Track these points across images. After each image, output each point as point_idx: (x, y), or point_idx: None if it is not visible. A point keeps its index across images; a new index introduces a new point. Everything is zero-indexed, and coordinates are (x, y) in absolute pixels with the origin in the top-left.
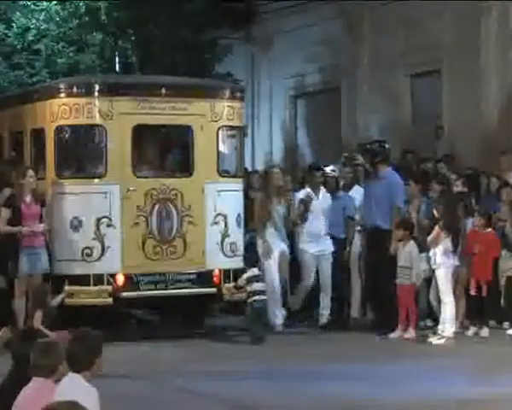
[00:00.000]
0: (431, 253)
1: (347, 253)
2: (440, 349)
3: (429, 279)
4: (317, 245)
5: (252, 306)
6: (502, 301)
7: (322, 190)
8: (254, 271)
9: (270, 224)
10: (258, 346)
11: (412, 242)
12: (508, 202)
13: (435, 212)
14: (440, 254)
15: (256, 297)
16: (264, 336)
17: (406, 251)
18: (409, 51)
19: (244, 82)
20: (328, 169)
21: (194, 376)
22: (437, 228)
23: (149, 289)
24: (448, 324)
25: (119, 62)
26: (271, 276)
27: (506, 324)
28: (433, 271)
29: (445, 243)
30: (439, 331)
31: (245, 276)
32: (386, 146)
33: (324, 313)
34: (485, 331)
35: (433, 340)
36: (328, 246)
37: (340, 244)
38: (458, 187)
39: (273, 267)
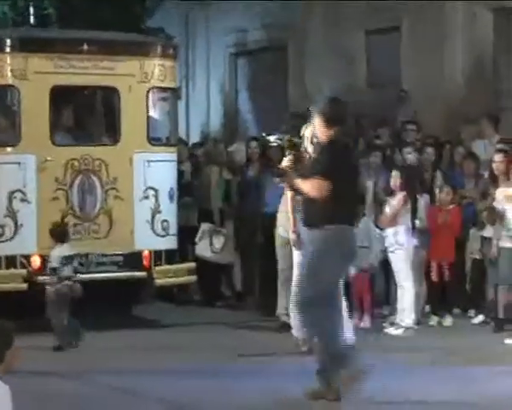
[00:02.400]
0: (389, 231)
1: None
2: (398, 341)
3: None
4: None
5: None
6: (467, 286)
7: None
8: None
9: None
10: (200, 338)
11: (367, 218)
12: (473, 176)
13: (395, 183)
14: (403, 232)
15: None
16: (72, 342)
17: (361, 228)
18: (365, 6)
19: (178, 38)
20: (272, 138)
21: (124, 371)
22: (398, 202)
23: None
24: (407, 312)
25: (34, 15)
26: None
27: (472, 312)
28: (388, 252)
29: (407, 219)
30: (398, 321)
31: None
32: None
33: None
34: (448, 321)
35: (391, 330)
36: None
37: None
38: (429, 155)
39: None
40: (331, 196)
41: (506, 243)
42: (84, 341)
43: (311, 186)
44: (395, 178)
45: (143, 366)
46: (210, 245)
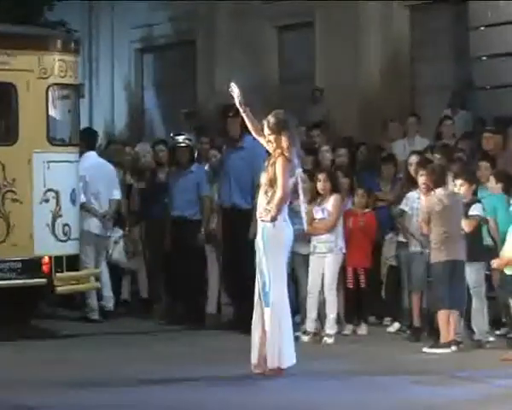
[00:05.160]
0: (327, 236)
1: (202, 236)
2: (312, 349)
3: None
4: None
5: None
6: (383, 293)
7: None
8: None
9: None
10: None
11: None
12: (389, 178)
13: (323, 187)
14: (340, 235)
15: None
16: None
17: None
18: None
19: (80, 32)
20: (180, 138)
21: (16, 385)
22: (335, 205)
23: None
24: (332, 322)
25: None
26: None
27: (387, 320)
28: (314, 256)
29: (339, 222)
30: (326, 330)
31: None
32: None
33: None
34: (362, 329)
35: (305, 338)
36: None
37: (194, 227)
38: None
39: None
40: None
41: (417, 248)
42: None
43: None
44: (324, 182)
45: (36, 380)
46: (124, 251)
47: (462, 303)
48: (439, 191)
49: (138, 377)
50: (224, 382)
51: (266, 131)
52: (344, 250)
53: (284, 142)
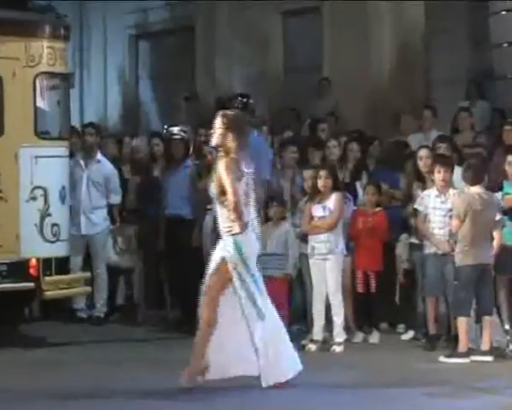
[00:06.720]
0: (325, 236)
1: (197, 235)
2: (321, 359)
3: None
4: None
5: None
6: (397, 298)
7: None
8: None
9: None
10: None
11: (287, 223)
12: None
13: (324, 184)
14: (340, 236)
15: None
16: None
17: (279, 234)
18: None
19: (70, 17)
20: (175, 130)
21: (16, 397)
22: (338, 204)
23: None
24: (340, 328)
25: None
26: None
27: (401, 327)
28: (314, 259)
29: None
30: (335, 337)
31: None
32: (251, 101)
33: None
34: (374, 337)
35: (313, 347)
36: None
37: (189, 226)
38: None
39: None
40: None
41: (431, 250)
42: None
43: None
44: (325, 179)
45: (26, 389)
46: (113, 247)
47: (491, 309)
48: (476, 189)
49: (133, 385)
50: (223, 391)
51: (217, 123)
52: (345, 252)
53: (231, 142)
